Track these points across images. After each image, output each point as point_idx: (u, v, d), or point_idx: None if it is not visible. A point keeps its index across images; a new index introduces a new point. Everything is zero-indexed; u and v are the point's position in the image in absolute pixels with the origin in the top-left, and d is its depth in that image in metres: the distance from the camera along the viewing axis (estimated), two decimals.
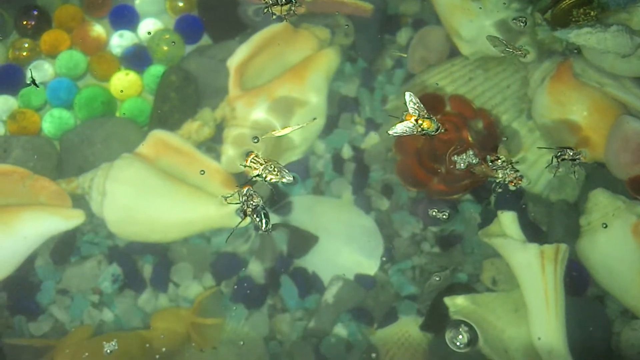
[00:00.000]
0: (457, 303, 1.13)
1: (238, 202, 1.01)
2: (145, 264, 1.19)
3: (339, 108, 1.28)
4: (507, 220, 1.14)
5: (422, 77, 1.27)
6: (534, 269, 1.09)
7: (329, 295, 1.17)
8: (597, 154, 1.19)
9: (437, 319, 1.15)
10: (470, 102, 1.22)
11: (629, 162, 1.14)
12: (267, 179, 1.01)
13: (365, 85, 1.29)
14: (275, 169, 1.01)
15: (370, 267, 1.20)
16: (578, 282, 1.17)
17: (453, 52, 1.29)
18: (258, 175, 1.02)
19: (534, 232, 1.17)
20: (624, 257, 1.13)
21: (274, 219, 1.19)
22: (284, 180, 1.02)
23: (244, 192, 1.01)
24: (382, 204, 1.23)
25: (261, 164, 1.02)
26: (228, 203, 1.07)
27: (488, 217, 1.20)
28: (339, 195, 1.24)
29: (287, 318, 1.17)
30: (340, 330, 1.17)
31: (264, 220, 0.99)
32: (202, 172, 1.16)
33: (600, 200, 1.15)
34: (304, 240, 1.20)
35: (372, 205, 1.23)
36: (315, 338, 1.16)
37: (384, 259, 1.19)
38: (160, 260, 1.19)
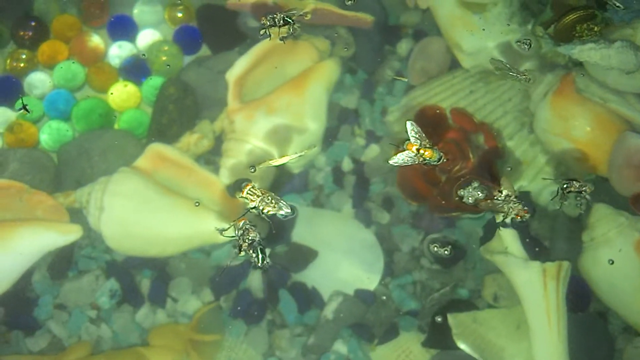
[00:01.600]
0: (457, 321, 1.12)
1: (234, 236, 1.00)
2: (143, 278, 1.18)
3: (339, 120, 1.27)
4: (509, 236, 1.13)
5: (422, 89, 1.25)
6: (536, 286, 1.08)
7: (329, 311, 1.16)
8: (601, 170, 1.18)
9: (438, 336, 1.14)
10: (471, 116, 1.21)
11: (632, 178, 1.13)
12: (265, 211, 0.99)
13: (366, 96, 1.28)
14: (273, 201, 1.00)
15: (370, 281, 1.19)
16: (580, 298, 1.16)
17: (454, 64, 1.27)
18: (254, 207, 1.00)
19: (536, 248, 1.16)
20: (626, 273, 1.12)
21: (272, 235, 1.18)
22: (281, 212, 1.00)
23: (240, 225, 0.99)
24: (382, 217, 1.22)
25: (258, 196, 1.00)
26: (224, 236, 1.05)
27: (490, 231, 1.18)
28: (339, 208, 1.23)
29: (287, 334, 1.16)
30: (340, 346, 1.16)
31: (260, 256, 0.98)
32: (197, 204, 1.15)
33: (603, 216, 1.14)
34: (303, 255, 1.19)
35: (372, 218, 1.22)
36: (315, 354, 1.15)
37: (385, 278, 1.18)
38: (159, 275, 1.18)
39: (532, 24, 1.25)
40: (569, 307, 1.11)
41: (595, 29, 1.20)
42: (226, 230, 1.05)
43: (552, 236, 1.18)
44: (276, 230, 1.08)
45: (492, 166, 1.17)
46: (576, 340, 1.11)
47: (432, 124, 1.20)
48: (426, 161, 1.01)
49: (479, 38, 1.23)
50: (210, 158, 1.23)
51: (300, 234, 1.20)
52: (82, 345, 1.13)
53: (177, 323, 1.16)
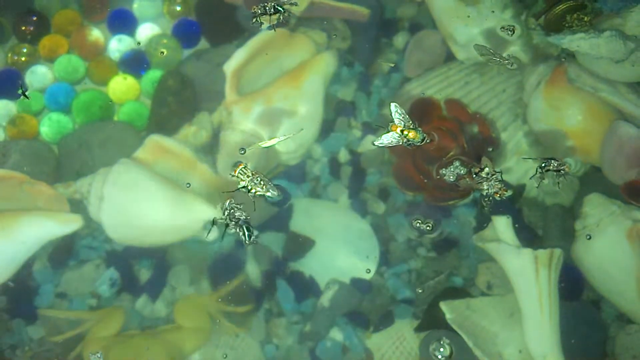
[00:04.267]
0: (451, 308, 1.13)
1: (221, 218, 1.02)
2: (142, 268, 1.20)
3: (336, 112, 1.28)
4: (501, 225, 1.14)
5: (418, 81, 1.27)
6: (528, 274, 1.09)
7: (325, 299, 1.17)
8: (592, 159, 1.19)
9: (432, 323, 1.16)
10: (465, 107, 1.22)
11: (624, 167, 1.14)
12: (253, 191, 1.02)
13: (362, 89, 1.29)
14: (262, 182, 1.02)
15: (366, 270, 1.20)
16: (573, 286, 1.17)
17: (449, 56, 1.29)
18: (244, 187, 1.02)
19: (529, 237, 1.18)
20: (619, 261, 1.13)
21: (271, 223, 1.20)
22: (268, 194, 1.03)
23: (226, 206, 1.01)
24: (378, 207, 1.23)
25: (248, 176, 1.02)
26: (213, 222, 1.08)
27: (483, 221, 1.20)
28: (335, 199, 1.24)
29: (283, 322, 1.18)
30: (336, 334, 1.17)
31: (246, 234, 1.00)
32: (188, 185, 1.17)
33: (596, 205, 1.15)
34: (300, 244, 1.20)
35: (368, 209, 1.23)
36: (311, 342, 1.17)
37: (381, 266, 1.20)
38: (158, 264, 1.20)
39: (524, 16, 1.26)
40: (562, 296, 1.12)
41: (585, 18, 1.21)
42: (220, 205, 1.06)
43: (545, 225, 1.20)
44: (256, 209, 1.09)
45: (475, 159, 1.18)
46: (569, 328, 1.12)
47: (426, 114, 1.22)
48: (410, 142, 1.02)
49: (472, 29, 1.24)
50: (209, 149, 1.25)
51: (297, 224, 1.21)
52: (116, 311, 1.13)
53: (198, 296, 1.17)
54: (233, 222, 0.99)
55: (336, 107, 1.28)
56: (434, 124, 1.19)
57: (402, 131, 1.02)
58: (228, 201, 1.02)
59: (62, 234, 1.17)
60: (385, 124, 1.04)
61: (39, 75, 1.29)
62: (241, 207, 1.01)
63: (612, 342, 1.16)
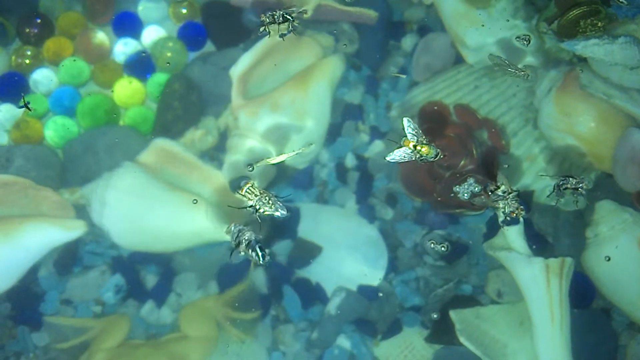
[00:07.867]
0: (460, 317, 1.12)
1: (231, 239, 1.00)
2: (148, 274, 1.19)
3: (343, 116, 1.27)
4: (512, 233, 1.13)
5: (427, 85, 1.25)
6: (539, 282, 1.08)
7: (332, 306, 1.16)
8: (604, 166, 1.18)
9: (442, 331, 1.15)
10: (475, 112, 1.21)
11: (637, 175, 1.13)
12: (261, 211, 1.00)
13: (370, 92, 1.28)
14: (270, 201, 1.00)
15: (373, 277, 1.19)
16: (584, 295, 1.15)
17: (458, 59, 1.27)
18: (252, 206, 1.00)
19: (539, 244, 1.16)
20: (630, 269, 1.12)
21: (278, 229, 1.19)
22: (277, 214, 1.01)
23: (232, 229, 0.99)
24: (386, 213, 1.22)
25: (256, 195, 1.00)
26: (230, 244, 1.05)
27: (493, 227, 1.18)
28: (342, 204, 1.23)
29: (290, 329, 1.17)
30: (344, 341, 1.16)
31: (260, 254, 0.98)
32: (195, 201, 1.15)
33: (607, 213, 1.14)
34: (307, 251, 1.19)
35: (376, 214, 1.22)
36: (318, 349, 1.16)
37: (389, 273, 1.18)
38: (164, 271, 1.19)
39: (536, 20, 1.25)
40: (572, 304, 1.11)
41: (599, 24, 1.19)
42: (227, 229, 1.05)
43: (556, 233, 1.18)
44: (265, 231, 1.07)
45: (495, 162, 1.17)
46: (580, 337, 1.11)
47: (436, 120, 1.21)
48: (423, 157, 1.01)
49: (483, 33, 1.23)
50: (215, 154, 1.24)
51: (304, 230, 1.20)
52: (121, 320, 1.12)
53: (205, 299, 1.16)
54: (244, 245, 0.97)
55: (343, 111, 1.27)
56: (443, 130, 1.17)
57: (414, 146, 1.00)
58: (234, 224, 1.00)
59: (67, 240, 1.16)
60: (396, 137, 1.03)
61: (43, 79, 1.28)
62: (249, 227, 0.99)
63: (622, 351, 1.15)
